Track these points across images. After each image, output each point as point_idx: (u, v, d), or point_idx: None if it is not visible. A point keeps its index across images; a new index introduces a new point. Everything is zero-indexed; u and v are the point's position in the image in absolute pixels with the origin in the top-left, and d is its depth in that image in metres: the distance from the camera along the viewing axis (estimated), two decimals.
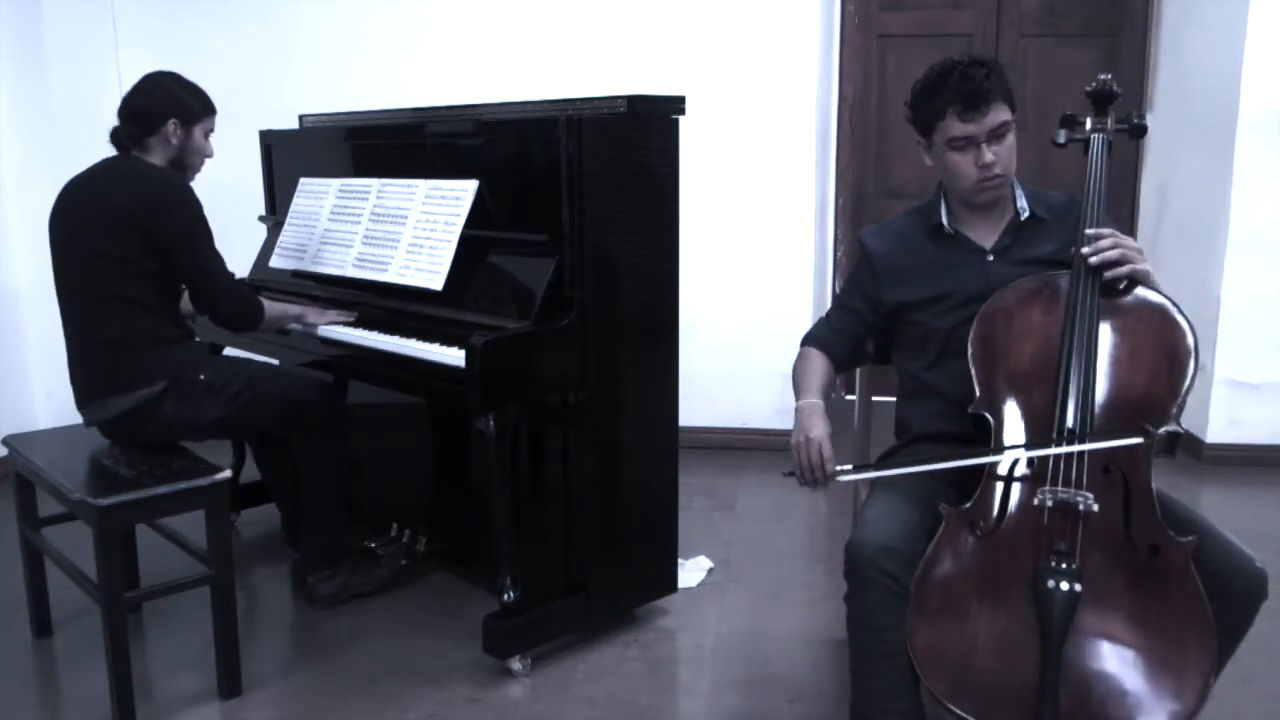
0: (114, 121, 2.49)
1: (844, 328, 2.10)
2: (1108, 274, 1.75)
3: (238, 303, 2.53)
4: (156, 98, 2.47)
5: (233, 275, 2.54)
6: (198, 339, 2.66)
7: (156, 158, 2.47)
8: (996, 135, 1.85)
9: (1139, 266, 1.76)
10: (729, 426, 4.09)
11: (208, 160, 2.60)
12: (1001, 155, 1.86)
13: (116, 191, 2.37)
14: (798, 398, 1.97)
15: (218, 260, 2.47)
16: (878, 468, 1.88)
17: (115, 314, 2.38)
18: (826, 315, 2.15)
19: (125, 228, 2.34)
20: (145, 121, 2.46)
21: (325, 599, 2.71)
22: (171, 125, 2.47)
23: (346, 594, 2.73)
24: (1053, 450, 1.65)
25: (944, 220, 1.97)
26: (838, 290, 2.18)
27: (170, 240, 2.37)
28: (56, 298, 2.49)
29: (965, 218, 1.97)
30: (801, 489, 1.85)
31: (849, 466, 1.80)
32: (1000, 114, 1.85)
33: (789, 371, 2.09)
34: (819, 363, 2.05)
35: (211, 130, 2.58)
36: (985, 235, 1.96)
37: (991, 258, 1.94)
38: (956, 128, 1.85)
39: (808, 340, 2.12)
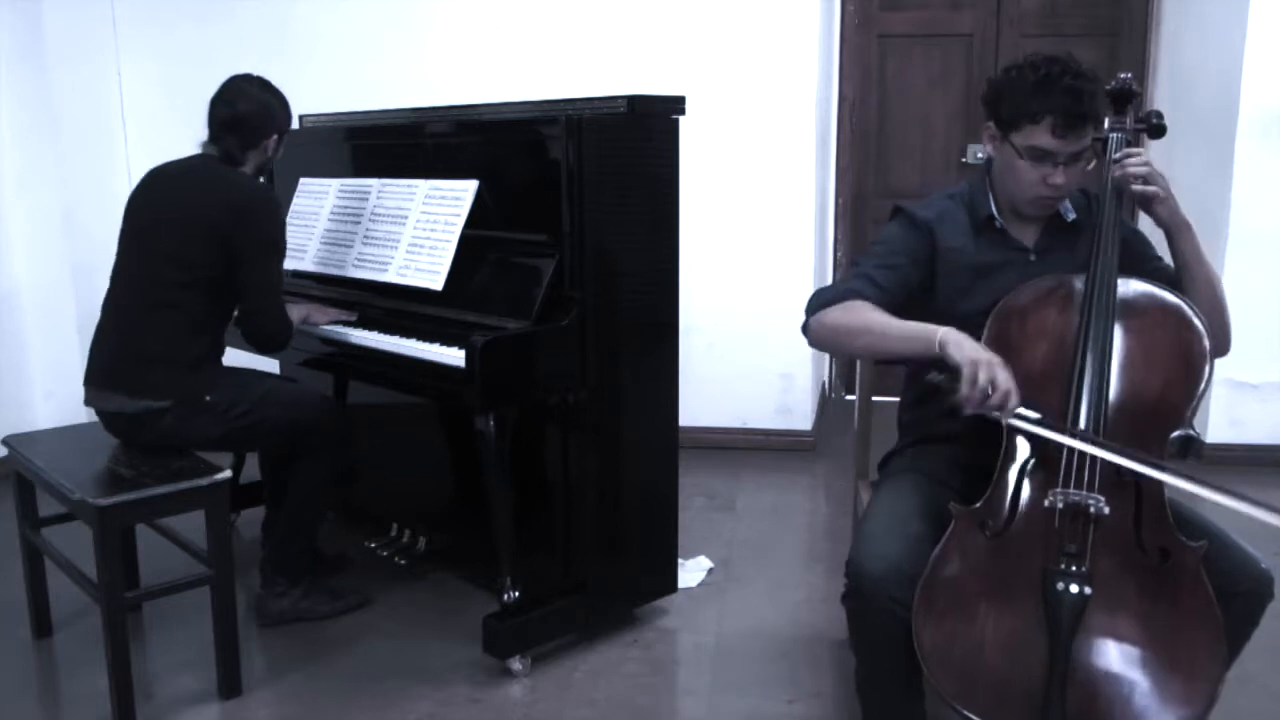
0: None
1: (892, 286, 1.85)
2: (1134, 187, 1.76)
3: (279, 325, 2.52)
4: (258, 110, 2.50)
5: (283, 300, 2.54)
6: (217, 358, 2.58)
7: (249, 166, 2.52)
8: (1076, 157, 1.76)
9: (1162, 193, 1.76)
10: (729, 426, 4.09)
11: None
12: (1072, 178, 1.79)
13: (207, 193, 2.39)
14: (911, 333, 1.71)
15: (279, 287, 2.51)
16: (1057, 431, 1.61)
17: (160, 324, 2.39)
18: (861, 274, 1.87)
19: (207, 231, 2.36)
20: (249, 134, 2.49)
21: (274, 615, 2.63)
22: (273, 139, 2.53)
23: (294, 615, 2.65)
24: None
25: (994, 212, 1.89)
26: (864, 257, 1.98)
27: (251, 250, 2.39)
28: (111, 277, 2.50)
29: (1009, 214, 1.90)
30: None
31: (1034, 414, 1.59)
32: (1089, 138, 1.76)
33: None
34: (879, 308, 1.79)
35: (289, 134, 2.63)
36: (1028, 234, 1.90)
37: (1034, 257, 1.88)
38: (1045, 140, 1.73)
39: (846, 294, 1.83)
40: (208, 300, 2.43)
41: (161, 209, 2.44)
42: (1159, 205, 1.78)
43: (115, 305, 2.49)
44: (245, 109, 2.49)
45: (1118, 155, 1.79)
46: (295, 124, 3.29)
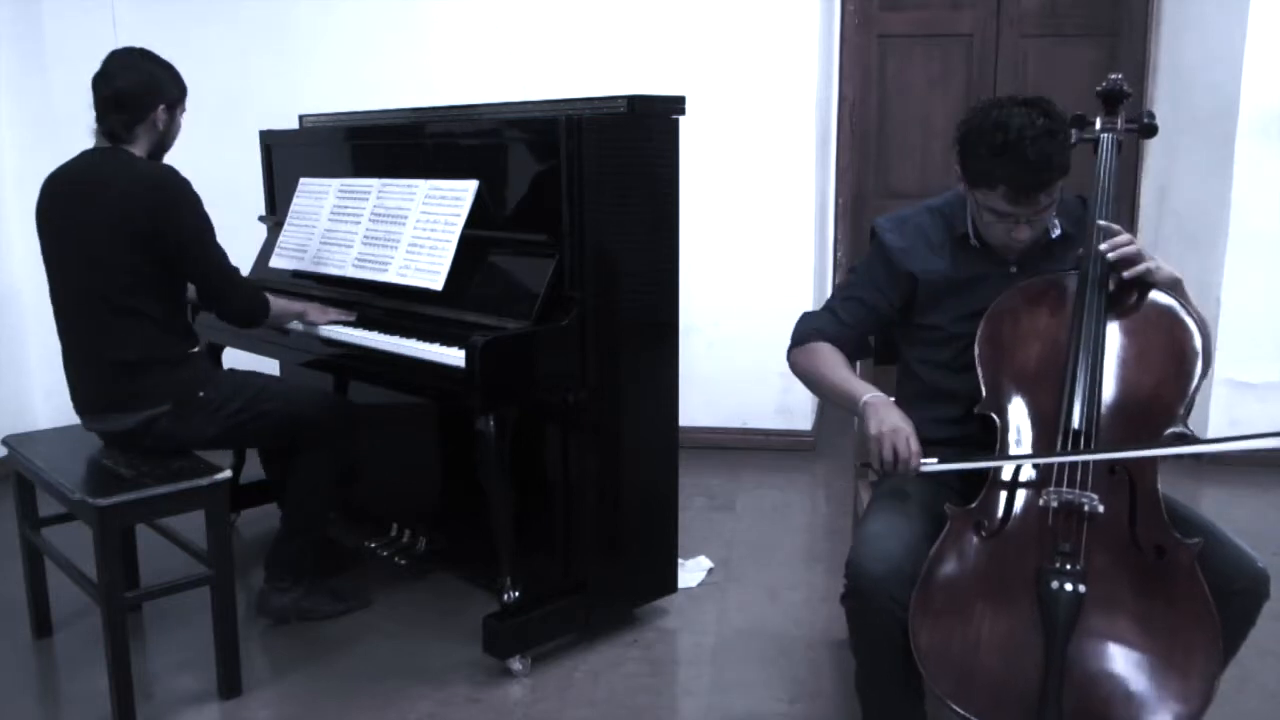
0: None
1: (855, 321, 1.99)
2: (1126, 273, 1.74)
3: (248, 298, 2.50)
4: (139, 82, 2.35)
5: (238, 270, 2.50)
6: (197, 348, 2.55)
7: (141, 145, 2.39)
8: (1039, 212, 1.77)
9: (1151, 265, 1.74)
10: (729, 426, 4.09)
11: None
12: (1038, 228, 1.80)
13: (117, 199, 2.28)
14: (849, 389, 1.86)
15: (225, 256, 2.43)
16: (959, 460, 1.75)
17: (123, 331, 2.33)
18: (829, 308, 2.03)
19: (131, 239, 2.27)
20: (133, 109, 2.35)
21: (275, 612, 2.63)
22: (160, 110, 2.39)
23: (295, 614, 2.64)
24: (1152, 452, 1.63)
25: (970, 233, 1.90)
26: (840, 281, 2.06)
27: (181, 243, 2.33)
28: (51, 302, 2.43)
29: None
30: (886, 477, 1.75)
31: (934, 460, 1.72)
32: (1052, 194, 1.75)
33: (789, 371, 2.05)
34: (839, 356, 1.94)
35: (185, 110, 2.50)
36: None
37: (1015, 269, 1.89)
38: (1001, 205, 1.75)
39: (811, 334, 1.99)
40: (160, 296, 2.37)
41: (72, 221, 2.34)
42: (1151, 277, 1.76)
43: (71, 328, 2.42)
44: (125, 83, 2.33)
45: (1103, 247, 1.75)
46: (296, 124, 3.32)
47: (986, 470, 1.71)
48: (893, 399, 1.81)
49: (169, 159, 2.47)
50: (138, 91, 2.36)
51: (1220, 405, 3.86)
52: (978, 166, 1.76)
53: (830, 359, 1.94)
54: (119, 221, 2.28)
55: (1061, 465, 1.64)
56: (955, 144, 1.82)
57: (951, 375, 1.91)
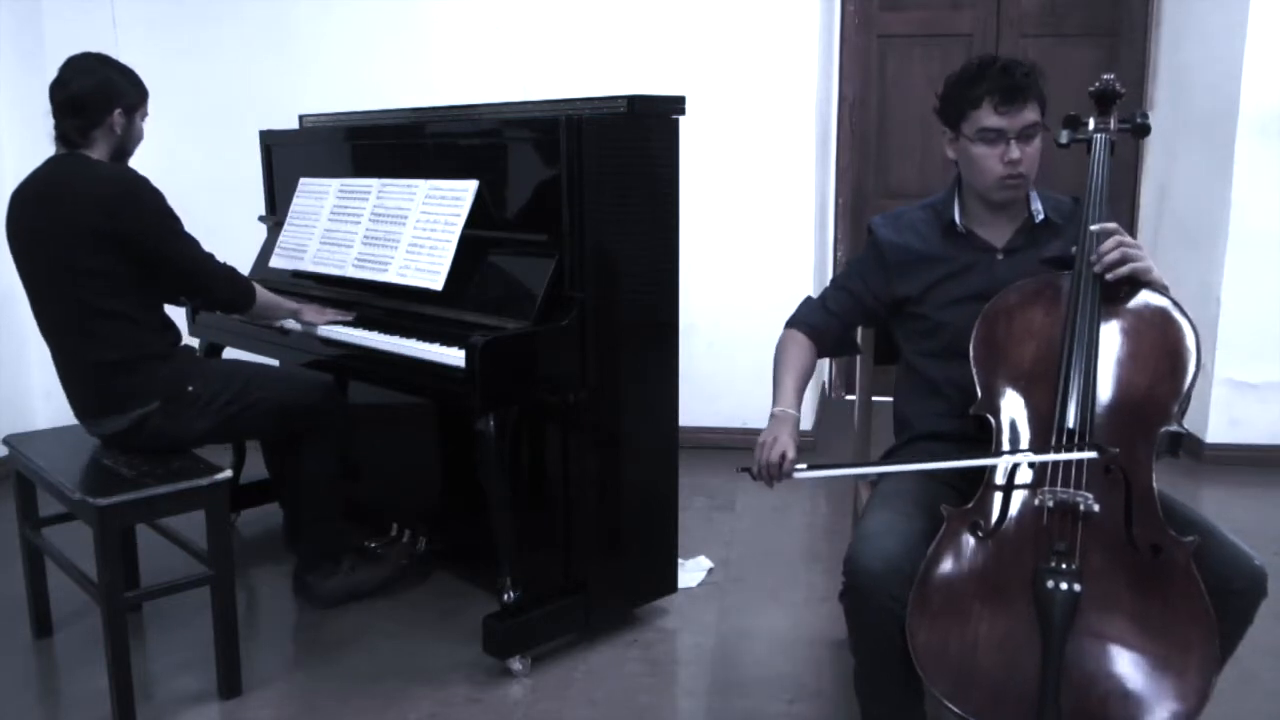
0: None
1: (841, 311, 2.08)
2: (1109, 276, 1.75)
3: (230, 283, 2.51)
4: (95, 86, 2.34)
5: (214, 257, 2.48)
6: (183, 343, 2.56)
7: (100, 150, 2.37)
8: (1026, 135, 1.85)
9: (1139, 264, 1.75)
10: (729, 426, 4.08)
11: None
12: (1028, 156, 1.86)
13: (78, 203, 2.28)
14: (776, 395, 1.96)
15: (197, 246, 2.42)
16: (838, 467, 1.97)
17: (103, 333, 2.33)
18: (820, 296, 2.12)
19: (98, 241, 2.27)
20: (89, 113, 2.34)
21: (326, 598, 2.68)
22: (117, 114, 2.37)
23: (346, 593, 2.70)
24: (1034, 457, 1.66)
25: (956, 218, 1.97)
26: (836, 273, 2.13)
27: (150, 243, 2.33)
28: (32, 312, 2.44)
29: (979, 216, 1.96)
30: (757, 483, 1.86)
31: (804, 465, 1.81)
32: (1032, 114, 1.85)
33: None
34: (803, 355, 2.02)
35: (147, 114, 2.49)
36: (997, 235, 1.96)
37: (1001, 256, 1.95)
38: (991, 119, 1.84)
39: (796, 322, 2.09)
40: (136, 295, 2.36)
41: (38, 230, 2.34)
42: (1144, 275, 1.77)
43: (55, 337, 2.43)
44: (80, 87, 2.33)
45: (1092, 258, 1.76)
46: (296, 124, 3.32)
47: (866, 476, 1.85)
48: (796, 417, 1.92)
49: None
50: (93, 96, 2.34)
51: (1220, 405, 3.86)
52: (961, 98, 1.89)
53: (793, 356, 2.02)
54: (83, 226, 2.28)
55: (1056, 464, 1.64)
56: (936, 111, 1.95)
57: (942, 364, 1.95)
